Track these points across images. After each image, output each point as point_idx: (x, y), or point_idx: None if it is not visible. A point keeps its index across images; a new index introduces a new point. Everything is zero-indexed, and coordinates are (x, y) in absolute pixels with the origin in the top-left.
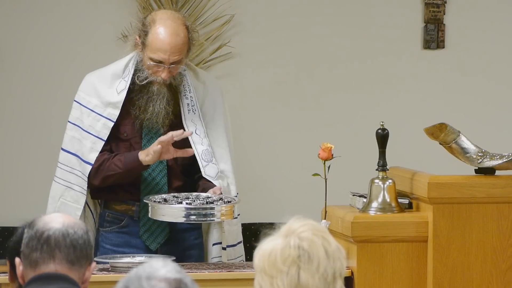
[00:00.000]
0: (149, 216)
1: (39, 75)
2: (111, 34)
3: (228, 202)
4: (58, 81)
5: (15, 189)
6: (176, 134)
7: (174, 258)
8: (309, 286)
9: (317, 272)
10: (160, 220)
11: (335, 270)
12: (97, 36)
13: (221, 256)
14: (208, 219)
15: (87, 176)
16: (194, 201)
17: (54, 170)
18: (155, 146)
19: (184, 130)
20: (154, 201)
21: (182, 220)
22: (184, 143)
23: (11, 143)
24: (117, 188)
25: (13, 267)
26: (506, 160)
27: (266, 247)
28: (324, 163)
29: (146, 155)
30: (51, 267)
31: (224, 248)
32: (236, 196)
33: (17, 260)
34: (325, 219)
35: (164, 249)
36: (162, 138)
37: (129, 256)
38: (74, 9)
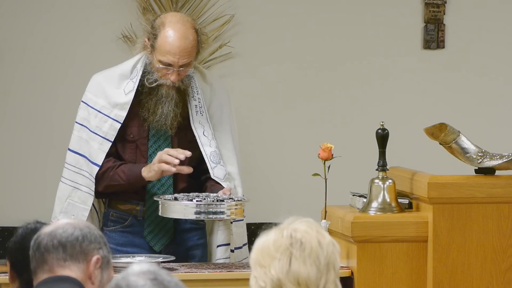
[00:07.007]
0: (159, 214)
1: (39, 75)
2: (111, 34)
3: (238, 201)
4: (58, 81)
5: (15, 189)
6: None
7: (174, 258)
8: (300, 273)
9: (309, 258)
10: (170, 217)
11: (328, 261)
12: (97, 36)
13: (227, 258)
14: (218, 216)
15: (94, 177)
16: (204, 199)
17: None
18: (156, 165)
19: (192, 132)
20: (165, 199)
21: (193, 217)
22: (193, 145)
23: (11, 143)
24: None
25: (13, 267)
26: (506, 160)
27: (260, 241)
28: (324, 163)
29: (148, 172)
30: (45, 270)
31: (232, 251)
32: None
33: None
34: (325, 219)
35: (167, 249)
36: (163, 156)
37: (129, 256)
38: (74, 9)
